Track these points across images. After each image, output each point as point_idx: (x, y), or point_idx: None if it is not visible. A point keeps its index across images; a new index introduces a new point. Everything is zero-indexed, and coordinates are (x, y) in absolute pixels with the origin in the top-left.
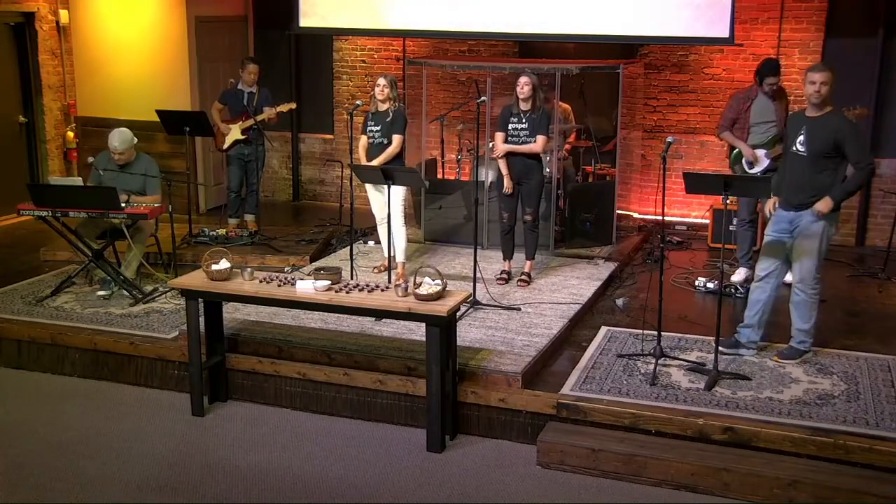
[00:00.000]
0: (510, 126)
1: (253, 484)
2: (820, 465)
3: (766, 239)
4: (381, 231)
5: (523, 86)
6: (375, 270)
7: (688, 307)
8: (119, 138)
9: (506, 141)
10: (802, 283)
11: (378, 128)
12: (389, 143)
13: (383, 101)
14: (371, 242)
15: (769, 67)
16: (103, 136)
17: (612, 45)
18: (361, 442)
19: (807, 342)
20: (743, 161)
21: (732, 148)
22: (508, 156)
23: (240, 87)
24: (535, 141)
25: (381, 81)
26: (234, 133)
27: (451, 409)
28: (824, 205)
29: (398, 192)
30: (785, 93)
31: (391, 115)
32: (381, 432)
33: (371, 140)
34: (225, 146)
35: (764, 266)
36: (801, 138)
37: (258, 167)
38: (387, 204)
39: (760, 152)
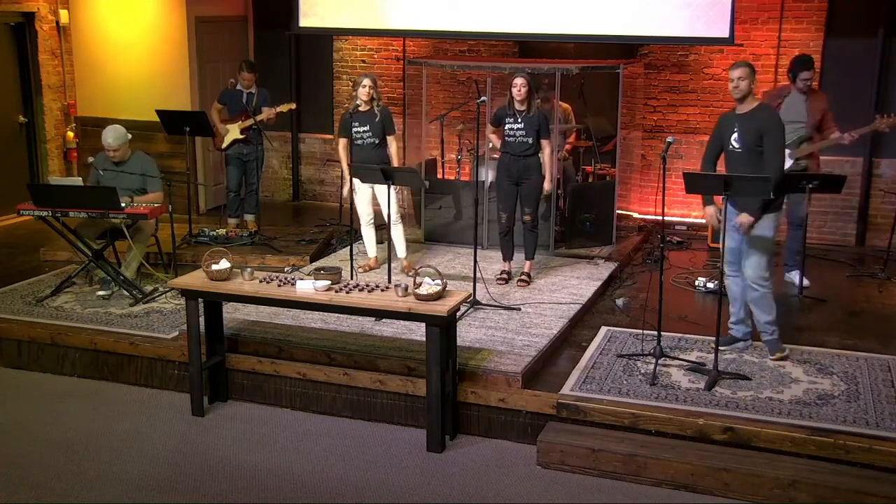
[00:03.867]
0: (506, 126)
1: (253, 484)
2: (820, 465)
3: (727, 239)
4: (366, 232)
5: (520, 87)
6: (361, 270)
7: (688, 307)
8: (112, 135)
9: (502, 143)
10: (754, 278)
11: (366, 128)
12: (381, 142)
13: (367, 102)
14: None
15: (802, 63)
16: None
17: (612, 45)
18: (361, 442)
19: (777, 331)
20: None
21: None
22: (506, 154)
23: (239, 87)
24: (533, 141)
25: (367, 82)
26: (233, 133)
27: (451, 409)
28: (745, 219)
29: (393, 192)
30: (819, 92)
31: (379, 114)
32: (381, 432)
33: (360, 141)
34: (223, 146)
35: (729, 260)
36: (734, 135)
37: (257, 167)
38: (372, 202)
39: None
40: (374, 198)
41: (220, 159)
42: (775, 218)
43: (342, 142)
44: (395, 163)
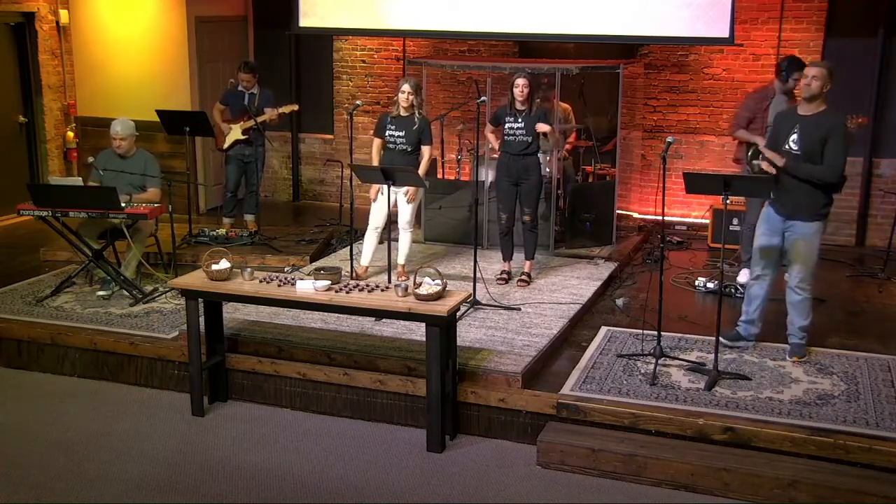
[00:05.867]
0: (506, 126)
1: (253, 484)
2: (820, 465)
3: (760, 240)
4: (369, 238)
5: (523, 87)
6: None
7: (688, 307)
8: (122, 124)
9: (501, 142)
10: (803, 283)
11: (402, 133)
12: (413, 150)
13: (408, 108)
14: None
15: (797, 63)
16: (103, 136)
17: (612, 45)
18: (361, 442)
19: (807, 336)
20: (761, 157)
21: (749, 145)
22: (506, 154)
23: (241, 87)
24: (533, 139)
25: (406, 88)
26: (235, 133)
27: (451, 409)
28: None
29: (412, 201)
30: None
31: (418, 122)
32: (381, 432)
33: (392, 146)
34: (225, 146)
35: (761, 263)
36: (793, 136)
37: (258, 168)
38: (388, 212)
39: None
40: (394, 206)
41: (222, 159)
42: (824, 224)
43: (376, 142)
44: (421, 171)
